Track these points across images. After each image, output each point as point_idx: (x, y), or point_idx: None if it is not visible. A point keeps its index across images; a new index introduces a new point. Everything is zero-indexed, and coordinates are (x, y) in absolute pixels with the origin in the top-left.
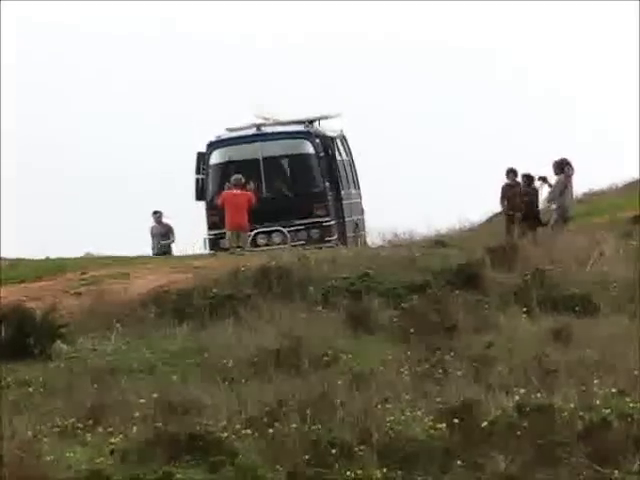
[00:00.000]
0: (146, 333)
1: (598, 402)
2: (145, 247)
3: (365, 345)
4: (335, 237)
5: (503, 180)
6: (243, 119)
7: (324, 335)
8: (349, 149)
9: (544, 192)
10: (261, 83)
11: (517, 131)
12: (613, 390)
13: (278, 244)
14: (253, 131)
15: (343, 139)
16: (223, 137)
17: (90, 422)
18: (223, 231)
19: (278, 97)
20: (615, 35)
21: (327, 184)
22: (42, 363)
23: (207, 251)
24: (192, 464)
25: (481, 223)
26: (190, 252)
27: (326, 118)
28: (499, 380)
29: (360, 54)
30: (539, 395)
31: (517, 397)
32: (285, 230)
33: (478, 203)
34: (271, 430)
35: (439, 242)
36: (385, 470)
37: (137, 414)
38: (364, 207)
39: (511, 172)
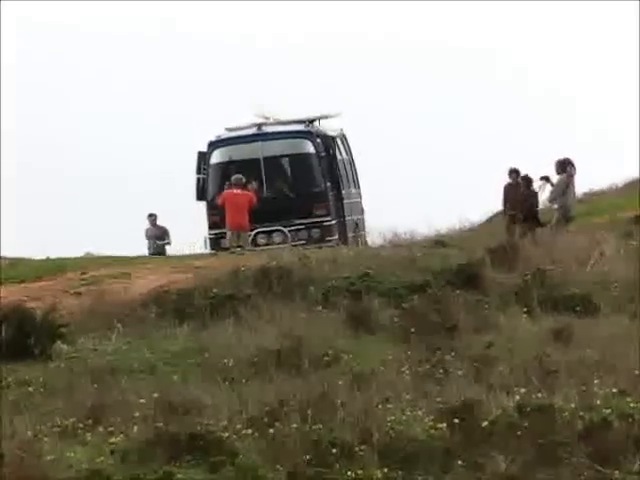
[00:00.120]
0: (146, 333)
1: (599, 402)
2: (145, 247)
3: (365, 345)
4: (336, 237)
5: (504, 180)
6: (243, 119)
7: (324, 335)
8: (349, 148)
9: (546, 191)
10: (261, 83)
11: (517, 131)
12: (614, 390)
13: (279, 244)
14: (254, 131)
15: (343, 138)
16: (224, 137)
17: (90, 422)
18: (224, 231)
19: (278, 97)
20: (615, 35)
21: (328, 184)
22: (42, 363)
23: (208, 251)
24: (192, 464)
25: (481, 223)
26: (187, 252)
27: (326, 117)
28: (500, 380)
29: (360, 54)
30: (540, 395)
31: (518, 397)
32: (286, 230)
33: (478, 203)
34: (272, 430)
35: (439, 242)
36: (386, 470)
37: (137, 414)
38: (364, 207)
39: (514, 172)
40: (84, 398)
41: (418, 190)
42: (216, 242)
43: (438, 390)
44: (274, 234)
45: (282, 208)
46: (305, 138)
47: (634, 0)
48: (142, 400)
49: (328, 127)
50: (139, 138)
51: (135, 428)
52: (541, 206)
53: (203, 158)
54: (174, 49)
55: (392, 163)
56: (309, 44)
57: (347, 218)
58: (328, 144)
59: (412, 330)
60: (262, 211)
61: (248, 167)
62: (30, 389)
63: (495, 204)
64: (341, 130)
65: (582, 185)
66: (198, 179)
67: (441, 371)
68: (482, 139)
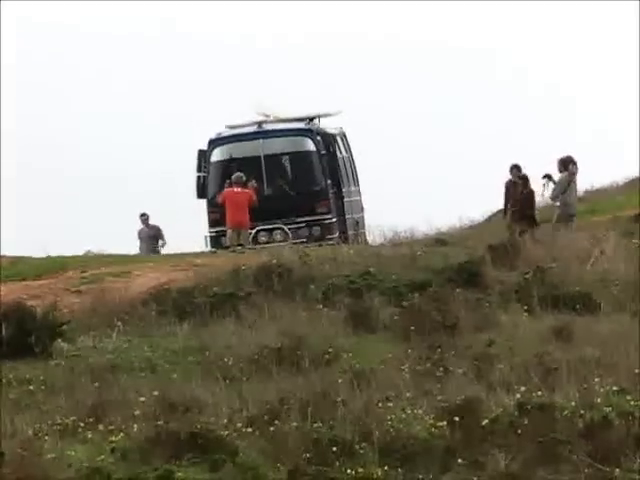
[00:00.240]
0: (147, 331)
1: (599, 400)
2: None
3: (366, 343)
4: (336, 235)
5: (505, 178)
6: (243, 119)
7: (325, 333)
8: (349, 146)
9: (549, 189)
10: (261, 83)
11: (517, 131)
12: (614, 388)
13: (279, 242)
14: (254, 128)
15: (343, 136)
16: (224, 134)
17: (91, 420)
18: (224, 229)
19: (278, 97)
20: (615, 35)
21: (328, 181)
22: (43, 361)
23: (208, 249)
24: (193, 462)
25: (482, 221)
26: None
27: (326, 116)
28: (500, 378)
29: (360, 54)
30: (540, 393)
31: (518, 395)
32: (286, 228)
33: (478, 203)
34: (272, 428)
35: (440, 240)
36: (386, 468)
37: (138, 412)
38: (364, 205)
39: (515, 168)
40: (84, 396)
41: (418, 190)
42: (217, 240)
43: (438, 388)
44: (275, 232)
45: (283, 206)
46: (306, 136)
47: (634, 0)
48: (142, 398)
49: (328, 125)
50: (139, 138)
51: (135, 426)
52: (542, 204)
53: (203, 156)
54: (174, 49)
55: (392, 163)
56: (309, 44)
57: (347, 216)
58: (329, 142)
59: (412, 328)
60: (263, 209)
61: (249, 165)
62: (31, 387)
63: (495, 203)
64: (341, 128)
65: (583, 183)
66: (198, 177)
67: (441, 369)
68: (482, 139)
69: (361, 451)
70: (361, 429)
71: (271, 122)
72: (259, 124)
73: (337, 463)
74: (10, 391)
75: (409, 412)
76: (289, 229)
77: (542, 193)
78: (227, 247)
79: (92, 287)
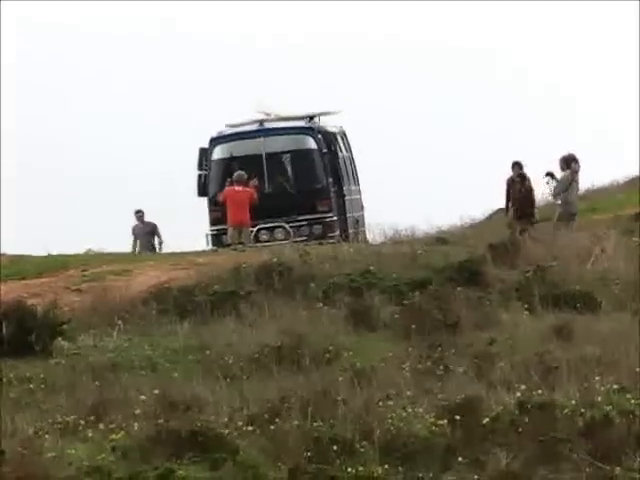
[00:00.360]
0: (147, 330)
1: (599, 399)
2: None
3: (366, 342)
4: (337, 233)
5: (506, 176)
6: (243, 118)
7: (325, 332)
8: (349, 145)
9: (551, 187)
10: (261, 83)
11: (517, 131)
12: (614, 387)
13: (281, 240)
14: (255, 127)
15: (343, 135)
16: (225, 133)
17: (91, 419)
18: (225, 227)
19: (278, 97)
20: (615, 35)
21: (329, 180)
22: (43, 360)
23: (209, 247)
24: (193, 461)
25: (482, 220)
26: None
27: (327, 114)
28: (501, 377)
29: (360, 54)
30: (540, 392)
31: (518, 394)
32: (287, 226)
33: (479, 202)
34: (272, 427)
35: (440, 239)
36: (386, 467)
37: (138, 411)
38: (364, 203)
39: (516, 165)
40: (85, 395)
41: (418, 190)
42: (218, 238)
43: (439, 387)
44: (276, 230)
45: (284, 204)
46: (307, 134)
47: (634, 0)
48: (143, 397)
49: (328, 124)
50: (139, 138)
51: (136, 425)
52: (542, 203)
53: (204, 154)
54: (174, 49)
55: (392, 163)
56: (309, 44)
57: (348, 214)
58: (330, 140)
59: (413, 327)
60: (264, 207)
61: (250, 163)
62: (31, 386)
63: (496, 201)
64: (341, 127)
65: (584, 182)
66: (199, 175)
67: (442, 368)
68: (482, 139)
69: (362, 450)
70: (362, 428)
71: (271, 121)
72: (260, 122)
73: (338, 462)
74: (10, 390)
75: (410, 411)
76: (290, 227)
77: (543, 192)
78: (228, 245)
79: (93, 286)
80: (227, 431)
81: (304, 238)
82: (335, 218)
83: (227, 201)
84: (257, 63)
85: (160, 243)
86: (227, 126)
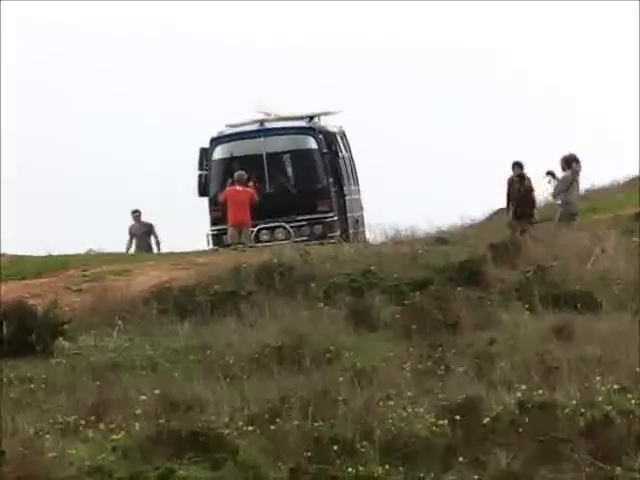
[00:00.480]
0: (148, 330)
1: (600, 399)
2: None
3: (367, 342)
4: (338, 233)
5: (506, 176)
6: (243, 118)
7: (326, 332)
8: (349, 145)
9: (552, 187)
10: (261, 83)
11: (517, 131)
12: (615, 387)
13: (281, 240)
14: (256, 127)
15: (343, 135)
16: (226, 133)
17: (92, 419)
18: (226, 227)
19: (278, 97)
20: (615, 35)
21: (330, 180)
22: (44, 360)
23: (210, 247)
24: (194, 461)
25: (483, 220)
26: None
27: (327, 114)
28: (501, 377)
29: (360, 54)
30: (541, 392)
31: (519, 394)
32: (288, 226)
33: (479, 202)
34: (273, 427)
35: (441, 239)
36: (387, 467)
37: (139, 411)
38: (363, 204)
39: (516, 165)
40: (85, 395)
41: (418, 190)
42: (218, 238)
43: (439, 387)
44: (277, 230)
45: (284, 204)
46: (307, 134)
47: (634, 0)
48: (143, 397)
49: (328, 124)
50: (139, 138)
51: (137, 425)
52: (543, 203)
53: (205, 154)
54: (174, 49)
55: (392, 163)
56: (309, 44)
57: (348, 215)
58: (330, 140)
59: (414, 327)
60: (264, 207)
61: (250, 163)
62: (31, 386)
63: (496, 202)
64: (341, 127)
65: (584, 182)
66: (200, 175)
67: (442, 368)
68: (482, 139)
69: (362, 450)
70: (362, 428)
71: (272, 121)
72: (260, 122)
73: (338, 462)
74: (11, 390)
75: (410, 411)
76: (291, 227)
77: (544, 191)
78: (228, 245)
79: (93, 286)
80: (228, 431)
81: (305, 238)
82: (336, 218)
83: (228, 201)
84: (257, 63)
85: (157, 243)
86: (227, 126)
